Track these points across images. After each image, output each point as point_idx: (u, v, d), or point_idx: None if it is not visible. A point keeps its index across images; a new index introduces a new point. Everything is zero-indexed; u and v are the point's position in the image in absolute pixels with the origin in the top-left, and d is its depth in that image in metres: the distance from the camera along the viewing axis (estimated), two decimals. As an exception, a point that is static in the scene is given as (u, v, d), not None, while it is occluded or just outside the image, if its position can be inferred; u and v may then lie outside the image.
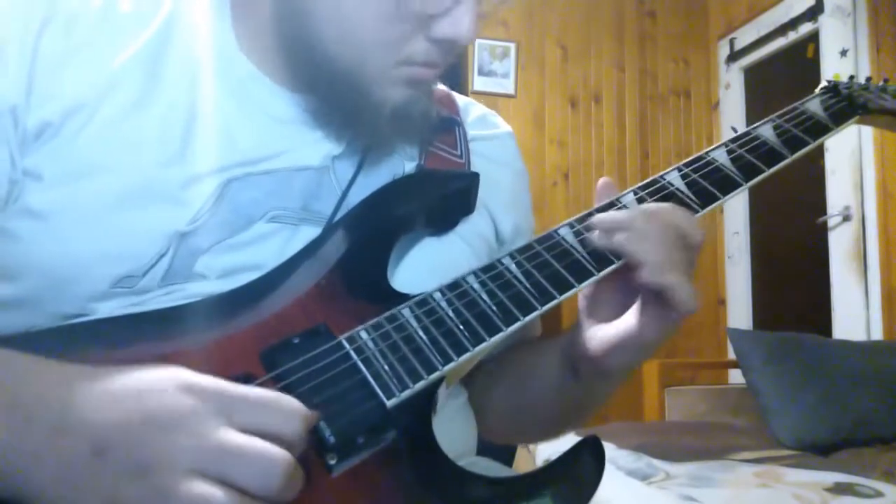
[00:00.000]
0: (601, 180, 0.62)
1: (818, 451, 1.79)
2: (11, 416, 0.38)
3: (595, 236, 0.56)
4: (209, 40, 0.59)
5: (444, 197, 0.62)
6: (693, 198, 0.61)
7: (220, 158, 0.55)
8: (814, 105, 0.72)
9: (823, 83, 0.77)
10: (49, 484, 0.36)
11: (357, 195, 0.59)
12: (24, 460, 0.37)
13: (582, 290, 0.58)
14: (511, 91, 3.18)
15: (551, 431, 0.73)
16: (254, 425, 0.37)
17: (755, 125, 0.69)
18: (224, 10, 0.60)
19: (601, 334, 0.57)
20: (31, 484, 0.36)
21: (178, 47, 0.57)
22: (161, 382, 0.38)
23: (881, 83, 0.80)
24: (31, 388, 0.39)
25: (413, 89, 0.58)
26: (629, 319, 0.55)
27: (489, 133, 0.72)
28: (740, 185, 0.63)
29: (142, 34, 0.56)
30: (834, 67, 2.65)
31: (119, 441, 0.36)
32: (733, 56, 3.32)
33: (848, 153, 2.67)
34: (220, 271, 0.53)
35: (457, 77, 3.03)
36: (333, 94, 0.57)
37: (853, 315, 2.60)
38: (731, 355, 2.22)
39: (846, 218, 2.67)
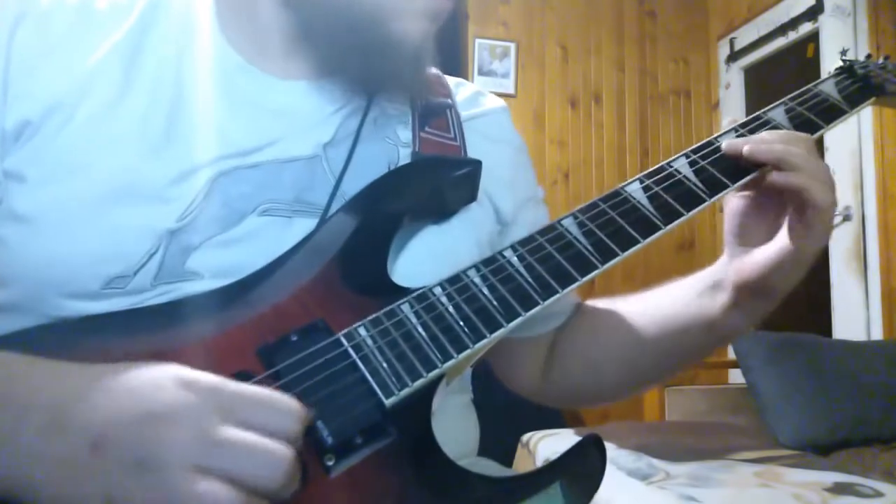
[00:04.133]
0: None
1: (818, 451, 1.79)
2: (3, 414, 0.37)
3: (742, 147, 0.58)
4: (192, 33, 0.58)
5: (446, 186, 0.60)
6: (701, 185, 0.59)
7: (208, 152, 0.54)
8: (828, 87, 0.69)
9: (839, 63, 0.73)
10: (45, 481, 0.36)
11: (351, 183, 0.57)
12: (18, 459, 0.36)
13: (726, 223, 0.62)
14: (511, 91, 3.18)
15: (680, 369, 0.73)
16: (251, 422, 0.37)
17: (767, 108, 0.66)
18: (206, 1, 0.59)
19: (760, 257, 0.59)
20: (27, 482, 0.36)
21: (159, 41, 0.56)
22: (158, 379, 0.38)
23: None
24: (23, 385, 0.38)
25: (431, 22, 0.58)
26: (783, 238, 0.58)
27: (482, 110, 0.72)
28: (752, 172, 0.59)
29: (119, 29, 0.55)
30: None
31: (118, 437, 0.35)
32: (733, 56, 3.32)
33: (848, 153, 2.67)
34: (212, 268, 0.52)
35: (457, 76, 3.02)
36: (353, 38, 0.56)
37: (853, 315, 2.60)
38: (731, 355, 2.21)
39: (846, 218, 2.67)
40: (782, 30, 3.00)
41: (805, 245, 0.56)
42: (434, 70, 0.71)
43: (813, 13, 2.83)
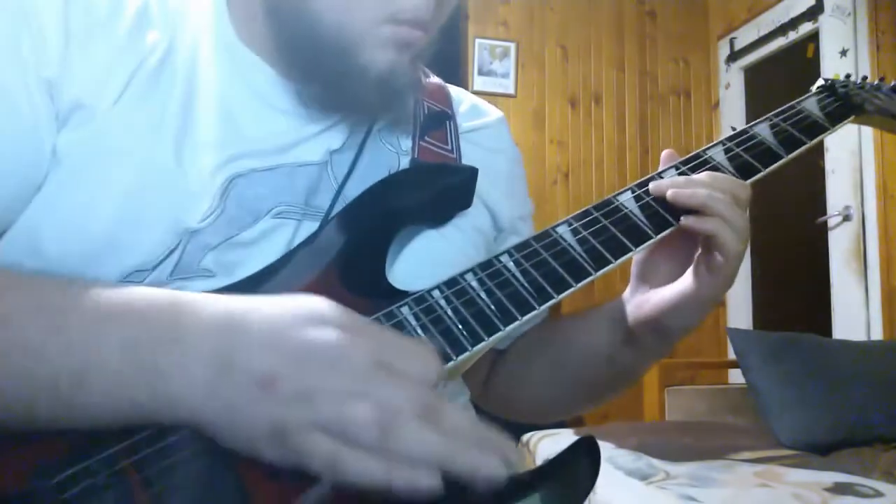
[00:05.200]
0: None
1: (818, 451, 1.79)
2: (174, 348, 0.40)
3: (670, 192, 0.59)
4: (210, 31, 0.58)
5: (441, 191, 0.61)
6: None
7: (227, 151, 0.55)
8: (810, 104, 0.72)
9: (820, 81, 0.76)
10: (217, 418, 0.39)
11: (354, 190, 0.58)
12: (186, 392, 0.39)
13: (635, 258, 0.62)
14: (511, 91, 3.18)
15: (594, 401, 0.75)
16: (397, 366, 0.39)
17: (752, 123, 0.69)
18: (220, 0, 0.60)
19: (659, 297, 0.60)
20: (201, 418, 0.39)
21: (183, 39, 0.57)
22: (318, 318, 0.41)
23: (877, 82, 0.79)
24: (190, 322, 0.41)
25: (399, 53, 0.56)
26: (686, 280, 0.59)
27: (482, 122, 0.73)
28: None
29: (150, 29, 0.56)
30: (834, 67, 2.65)
31: (286, 374, 0.38)
32: (733, 56, 3.32)
33: (848, 153, 2.67)
34: (225, 266, 0.53)
35: (457, 77, 3.03)
36: (318, 57, 0.56)
37: (853, 315, 2.60)
38: (731, 355, 2.22)
39: (846, 218, 2.67)
40: (782, 30, 3.01)
41: (706, 291, 0.58)
42: (438, 81, 0.72)
43: (813, 13, 2.84)
